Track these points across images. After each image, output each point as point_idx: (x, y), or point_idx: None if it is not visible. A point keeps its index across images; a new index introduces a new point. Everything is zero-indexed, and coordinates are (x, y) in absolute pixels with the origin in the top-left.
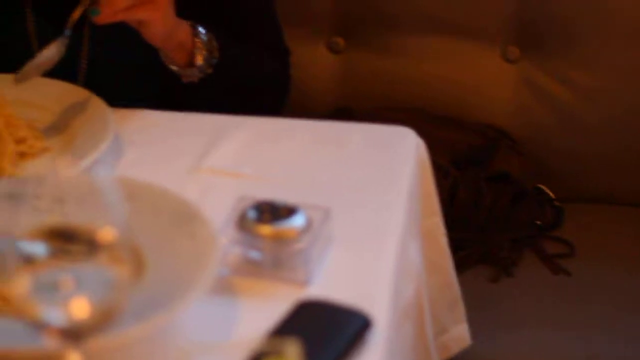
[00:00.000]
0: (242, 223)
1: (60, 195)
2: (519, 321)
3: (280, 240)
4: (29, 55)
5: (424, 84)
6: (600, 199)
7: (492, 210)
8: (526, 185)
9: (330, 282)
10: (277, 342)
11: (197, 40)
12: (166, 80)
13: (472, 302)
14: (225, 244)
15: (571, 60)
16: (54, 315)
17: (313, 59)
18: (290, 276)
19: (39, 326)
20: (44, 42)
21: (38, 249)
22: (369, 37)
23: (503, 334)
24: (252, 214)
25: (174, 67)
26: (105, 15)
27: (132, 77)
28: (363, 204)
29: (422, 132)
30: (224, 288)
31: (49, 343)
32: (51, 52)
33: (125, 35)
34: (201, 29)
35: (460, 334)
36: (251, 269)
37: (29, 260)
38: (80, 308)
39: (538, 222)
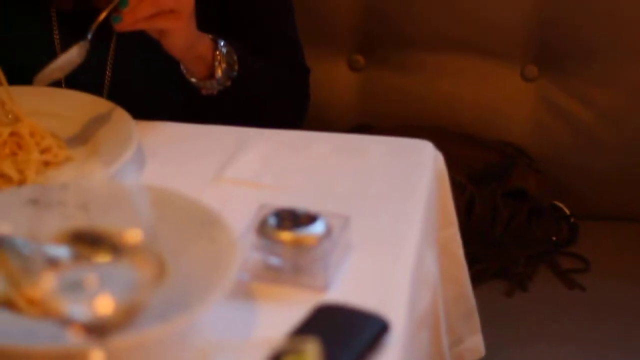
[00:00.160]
0: (262, 229)
1: (85, 201)
2: (533, 336)
3: (300, 246)
4: None
5: (442, 102)
6: (616, 216)
7: (508, 226)
8: (542, 202)
9: (348, 288)
10: (297, 341)
11: (217, 53)
12: (187, 93)
13: (487, 316)
14: (246, 249)
15: (589, 80)
16: (79, 311)
17: (334, 77)
18: (309, 282)
19: (64, 322)
20: None
21: (62, 252)
22: (388, 56)
23: (517, 348)
24: (272, 221)
25: (193, 80)
26: (127, 22)
27: (155, 89)
28: (381, 213)
29: (440, 149)
30: (244, 293)
31: (74, 339)
32: (72, 55)
33: (149, 48)
34: (221, 42)
35: (475, 345)
36: (271, 274)
37: (54, 264)
38: (104, 304)
39: (554, 238)
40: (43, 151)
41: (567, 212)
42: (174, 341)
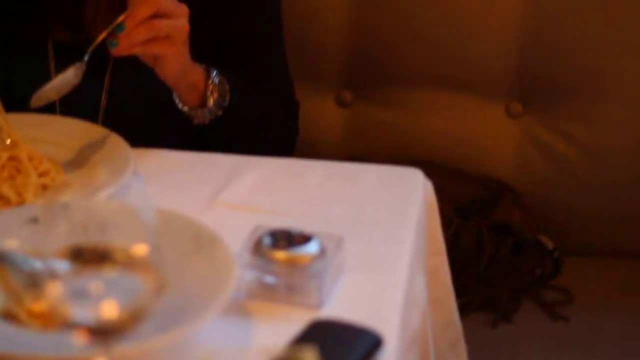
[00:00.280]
0: (257, 249)
1: (85, 219)
2: None
3: (294, 265)
4: None
5: (428, 138)
6: (600, 252)
7: (493, 259)
8: (527, 236)
9: (342, 307)
10: (296, 349)
11: (209, 82)
12: (181, 121)
13: (473, 347)
14: (241, 268)
15: (573, 117)
16: (84, 315)
17: (322, 112)
18: (303, 300)
19: (70, 326)
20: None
21: (64, 267)
22: (376, 92)
23: None
24: (267, 241)
25: (185, 108)
26: (123, 47)
27: (150, 115)
28: (373, 237)
29: None
30: (240, 310)
31: (79, 343)
32: (68, 76)
33: (144, 74)
34: (214, 72)
35: None
36: (266, 293)
37: (56, 277)
38: (109, 309)
39: (538, 272)
40: (41, 175)
41: (551, 246)
42: (172, 352)
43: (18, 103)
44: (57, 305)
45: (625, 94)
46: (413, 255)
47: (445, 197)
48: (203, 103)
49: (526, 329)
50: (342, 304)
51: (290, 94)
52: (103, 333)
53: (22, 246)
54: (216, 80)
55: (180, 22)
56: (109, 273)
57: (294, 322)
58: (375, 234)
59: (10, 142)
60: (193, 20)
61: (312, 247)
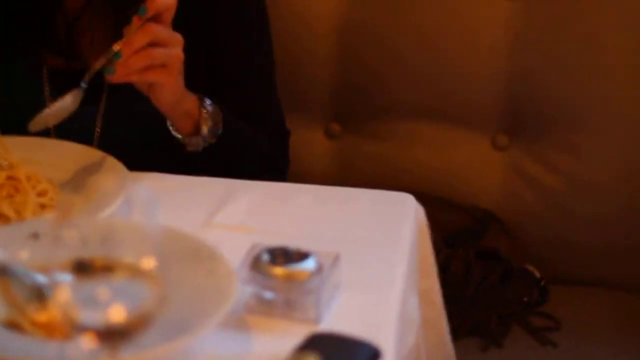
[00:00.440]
0: (256, 265)
1: (84, 235)
2: None
3: (292, 281)
4: None
5: (415, 169)
6: (586, 281)
7: (480, 286)
8: (514, 264)
9: (338, 322)
10: (299, 356)
11: (203, 110)
12: (174, 148)
13: None
14: (240, 284)
15: (559, 150)
16: (92, 318)
17: (310, 144)
18: (301, 316)
19: (78, 329)
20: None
21: (67, 280)
22: (364, 124)
23: None
24: (265, 257)
25: (178, 136)
26: (119, 74)
27: (144, 141)
28: (366, 258)
29: None
30: (239, 325)
31: (87, 346)
32: (66, 103)
33: (139, 102)
34: (207, 100)
35: None
36: (264, 308)
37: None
38: (116, 313)
39: (525, 299)
40: (39, 194)
41: (538, 275)
42: None
43: (13, 127)
44: (65, 309)
45: (609, 127)
46: (406, 276)
47: (433, 227)
48: (196, 131)
49: (516, 354)
50: (338, 320)
51: (281, 124)
52: (111, 337)
53: (24, 260)
54: (210, 108)
55: (175, 50)
56: (116, 280)
57: (292, 335)
58: (368, 255)
59: (8, 164)
60: (187, 49)
61: (309, 264)
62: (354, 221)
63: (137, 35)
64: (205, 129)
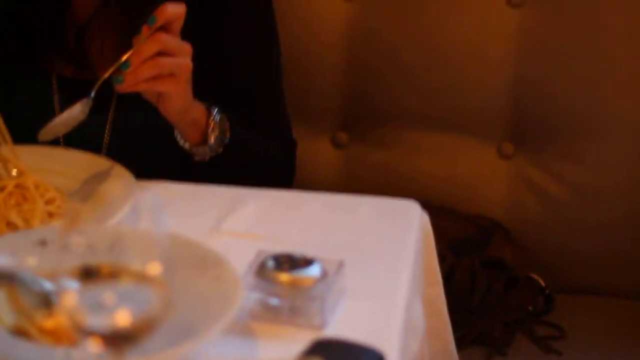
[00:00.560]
0: (261, 271)
1: (92, 242)
2: None
3: (297, 287)
4: None
5: (422, 179)
6: (591, 291)
7: (486, 294)
8: (519, 273)
9: (343, 329)
10: (304, 358)
11: (210, 119)
12: (182, 157)
13: None
14: (245, 290)
15: (565, 158)
16: (99, 322)
17: (317, 153)
18: (306, 322)
19: (84, 333)
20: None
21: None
22: (371, 134)
23: None
24: (271, 264)
25: (186, 145)
26: (128, 84)
27: (152, 151)
28: (371, 265)
29: None
30: (244, 331)
31: (93, 350)
32: (75, 112)
33: (148, 111)
34: (215, 109)
35: None
36: (269, 314)
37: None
38: (122, 317)
39: (530, 308)
40: (47, 202)
41: (543, 284)
42: None
43: (22, 136)
44: (72, 314)
45: (614, 136)
46: (411, 283)
47: (438, 235)
48: (204, 140)
49: None
50: (343, 326)
51: (288, 134)
52: (116, 341)
53: (31, 267)
54: (217, 117)
55: (184, 60)
56: (122, 285)
57: (297, 342)
58: (373, 262)
59: (17, 172)
60: (196, 58)
61: (314, 270)
62: (359, 228)
63: (146, 44)
64: (212, 138)
